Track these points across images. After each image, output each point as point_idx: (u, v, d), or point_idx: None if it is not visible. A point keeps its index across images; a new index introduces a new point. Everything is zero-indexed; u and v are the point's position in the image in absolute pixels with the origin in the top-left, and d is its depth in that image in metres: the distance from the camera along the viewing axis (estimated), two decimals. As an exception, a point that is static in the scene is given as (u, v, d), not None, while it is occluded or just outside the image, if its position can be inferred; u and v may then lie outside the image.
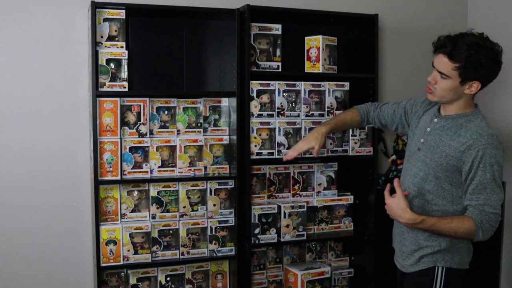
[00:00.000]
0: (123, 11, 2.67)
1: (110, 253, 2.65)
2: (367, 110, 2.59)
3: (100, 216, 2.67)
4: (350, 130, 2.98)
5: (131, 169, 2.71)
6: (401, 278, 2.33)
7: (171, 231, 2.77)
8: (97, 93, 2.60)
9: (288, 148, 2.86)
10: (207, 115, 2.91)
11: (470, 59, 2.03)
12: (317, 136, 2.49)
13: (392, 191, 2.15)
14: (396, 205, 2.09)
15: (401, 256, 2.30)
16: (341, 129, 2.73)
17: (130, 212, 2.74)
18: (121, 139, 2.68)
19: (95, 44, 2.60)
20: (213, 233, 2.83)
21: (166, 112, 2.82)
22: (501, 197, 2.08)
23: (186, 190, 2.80)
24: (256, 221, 2.83)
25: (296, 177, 3.06)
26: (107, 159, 2.65)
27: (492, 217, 2.07)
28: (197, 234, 2.82)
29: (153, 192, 2.76)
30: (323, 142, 2.50)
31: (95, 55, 2.59)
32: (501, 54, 2.10)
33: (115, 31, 2.67)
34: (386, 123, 2.55)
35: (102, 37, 2.65)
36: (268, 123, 2.85)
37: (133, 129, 2.73)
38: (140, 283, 2.80)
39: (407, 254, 2.25)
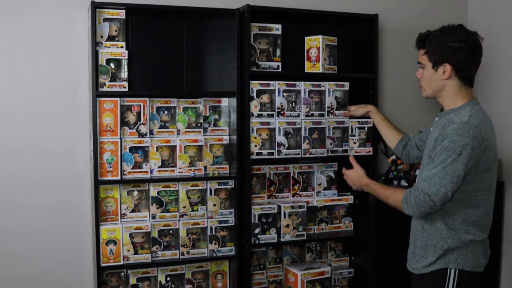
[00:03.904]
0: (123, 11, 2.67)
1: (110, 253, 2.65)
2: (409, 139, 2.66)
3: (100, 216, 2.67)
4: (350, 130, 2.98)
5: (131, 169, 2.71)
6: (414, 281, 2.30)
7: (171, 231, 2.77)
8: (97, 93, 2.60)
9: (288, 148, 2.87)
10: (207, 115, 2.91)
11: (433, 41, 2.16)
12: (367, 106, 2.93)
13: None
14: (354, 173, 2.54)
15: (413, 258, 2.27)
16: (385, 124, 2.83)
17: (130, 212, 2.74)
18: (121, 139, 2.68)
19: (95, 44, 2.60)
20: (213, 233, 2.83)
21: (166, 112, 2.82)
22: (442, 184, 2.05)
23: (186, 190, 2.80)
24: (256, 221, 2.83)
25: (296, 177, 3.06)
26: (107, 159, 2.65)
27: (419, 194, 2.08)
28: (197, 234, 2.82)
29: (153, 192, 2.76)
30: (361, 113, 2.95)
31: (95, 55, 2.59)
32: (473, 38, 2.13)
33: (115, 31, 2.67)
34: (414, 150, 2.62)
35: (102, 37, 2.65)
36: (268, 123, 2.84)
37: (133, 129, 2.73)
38: (140, 283, 2.80)
39: (419, 255, 2.23)
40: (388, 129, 2.78)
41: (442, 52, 2.14)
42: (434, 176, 2.06)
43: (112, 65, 2.64)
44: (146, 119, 2.73)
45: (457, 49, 2.11)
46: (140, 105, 2.72)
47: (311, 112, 2.93)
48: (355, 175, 2.53)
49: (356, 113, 2.94)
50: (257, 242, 2.84)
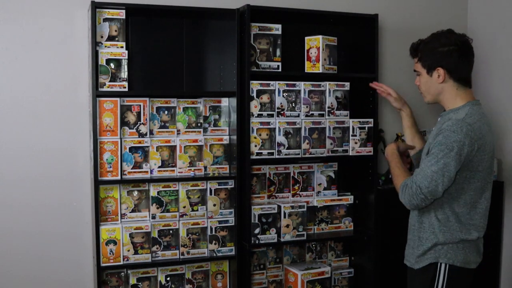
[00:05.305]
0: (123, 11, 2.67)
1: (110, 253, 2.65)
2: None
3: (100, 216, 2.67)
4: (351, 130, 2.98)
5: (131, 169, 2.71)
6: (408, 275, 2.34)
7: (171, 231, 2.77)
8: (97, 93, 2.60)
9: (288, 148, 2.87)
10: (207, 115, 2.91)
11: (424, 48, 2.24)
12: (404, 106, 2.71)
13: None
14: (390, 145, 2.47)
15: (410, 252, 2.32)
16: (412, 129, 2.65)
17: (130, 212, 2.74)
18: (121, 139, 2.68)
19: (95, 44, 2.60)
20: (213, 233, 2.83)
21: (166, 112, 2.82)
22: (433, 178, 2.08)
23: (186, 190, 2.80)
24: (256, 221, 2.83)
25: (296, 177, 3.06)
26: (107, 159, 2.65)
27: (413, 186, 2.12)
28: (197, 234, 2.82)
29: (153, 192, 2.76)
30: (396, 107, 2.73)
31: (95, 55, 2.59)
32: (462, 40, 2.20)
33: (115, 31, 2.67)
34: None
35: (102, 37, 2.65)
36: (268, 123, 2.84)
37: (133, 129, 2.73)
38: (140, 283, 2.80)
39: (411, 248, 2.29)
40: (413, 138, 2.64)
41: (433, 57, 2.21)
42: (427, 169, 2.11)
43: (112, 65, 2.64)
44: (146, 119, 2.73)
45: (447, 52, 2.18)
46: (140, 105, 2.72)
47: (311, 112, 2.93)
48: (390, 146, 2.46)
49: (392, 102, 2.75)
50: (257, 242, 2.84)
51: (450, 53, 2.18)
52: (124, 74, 2.66)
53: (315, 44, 2.95)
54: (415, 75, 2.34)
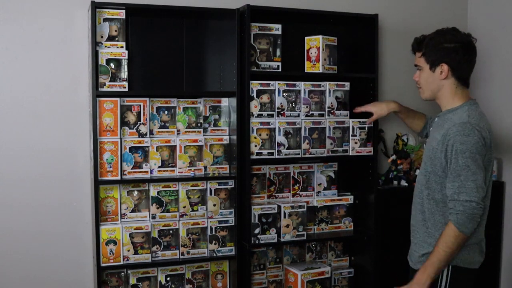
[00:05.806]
0: (123, 11, 2.67)
1: (110, 253, 2.65)
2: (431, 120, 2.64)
3: (100, 216, 2.67)
4: (351, 130, 2.98)
5: (131, 169, 2.71)
6: (411, 275, 2.33)
7: (171, 231, 2.77)
8: (97, 93, 2.60)
9: (288, 148, 2.87)
10: (207, 115, 2.91)
11: (429, 43, 2.22)
12: (386, 105, 2.83)
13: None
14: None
15: (412, 253, 2.31)
16: (409, 117, 2.78)
17: (130, 212, 2.74)
18: (121, 139, 2.68)
19: (95, 44, 2.60)
20: (213, 233, 2.83)
21: (166, 112, 2.82)
22: (478, 185, 2.05)
23: (186, 190, 2.80)
24: (256, 221, 2.83)
25: (296, 177, 3.06)
26: (107, 159, 2.65)
27: (467, 205, 2.04)
28: (197, 234, 2.82)
29: (153, 192, 2.76)
30: (384, 114, 2.86)
31: (95, 55, 2.59)
32: (467, 39, 2.20)
33: (115, 31, 2.67)
34: None
35: (102, 37, 2.65)
36: (268, 123, 2.84)
37: (133, 129, 2.73)
38: (140, 283, 2.80)
39: (416, 250, 2.28)
40: (412, 122, 2.77)
41: (438, 53, 2.20)
42: (466, 181, 2.05)
43: (112, 65, 2.64)
44: (146, 119, 2.73)
45: (452, 49, 2.18)
46: (140, 105, 2.72)
47: (311, 112, 2.93)
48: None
49: (382, 115, 2.87)
50: (257, 242, 2.84)
51: (455, 50, 2.17)
52: (124, 74, 2.66)
53: (315, 44, 2.94)
54: (415, 70, 2.32)
